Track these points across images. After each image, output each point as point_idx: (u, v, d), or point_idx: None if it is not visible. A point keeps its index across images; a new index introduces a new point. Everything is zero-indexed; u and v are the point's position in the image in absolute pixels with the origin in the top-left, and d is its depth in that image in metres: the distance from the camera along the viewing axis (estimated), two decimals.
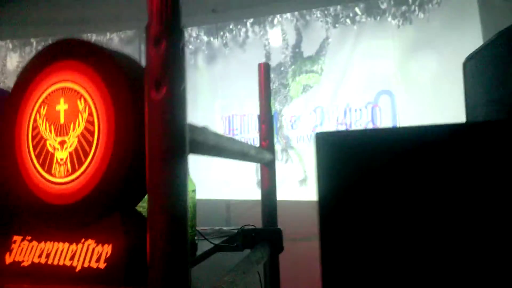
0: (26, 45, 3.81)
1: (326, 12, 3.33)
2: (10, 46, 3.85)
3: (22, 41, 3.82)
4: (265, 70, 1.30)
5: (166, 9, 0.54)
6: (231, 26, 3.51)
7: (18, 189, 0.85)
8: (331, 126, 3.26)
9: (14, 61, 3.81)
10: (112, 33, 3.75)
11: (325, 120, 3.28)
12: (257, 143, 3.02)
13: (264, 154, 1.24)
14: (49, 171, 0.81)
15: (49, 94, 0.85)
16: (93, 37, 3.72)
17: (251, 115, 3.41)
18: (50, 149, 0.82)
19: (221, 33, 3.52)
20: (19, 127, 0.86)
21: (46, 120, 0.83)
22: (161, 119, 0.54)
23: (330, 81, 3.29)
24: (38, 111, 0.85)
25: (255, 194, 3.15)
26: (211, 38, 3.57)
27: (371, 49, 3.18)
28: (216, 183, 3.40)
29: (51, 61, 0.84)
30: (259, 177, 3.18)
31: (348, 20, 3.28)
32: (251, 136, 3.40)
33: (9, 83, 3.70)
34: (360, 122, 3.20)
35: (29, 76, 0.86)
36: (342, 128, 3.21)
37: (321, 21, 3.35)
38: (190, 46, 3.59)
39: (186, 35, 3.57)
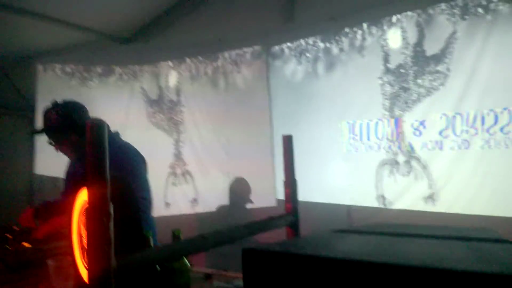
0: (181, 63, 4.44)
1: (452, 2, 2.92)
2: (171, 64, 4.54)
3: (178, 61, 4.46)
4: (288, 142, 1.35)
5: None
6: (346, 30, 3.41)
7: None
8: (459, 132, 2.91)
9: (174, 78, 4.49)
10: (245, 48, 4.07)
11: (453, 126, 2.94)
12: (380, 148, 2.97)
13: (287, 218, 1.31)
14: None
15: None
16: (229, 53, 4.10)
17: (371, 121, 3.30)
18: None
19: (337, 37, 3.46)
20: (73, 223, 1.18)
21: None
22: None
23: (458, 81, 2.91)
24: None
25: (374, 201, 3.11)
26: (327, 44, 3.54)
27: (507, 42, 2.68)
28: (336, 188, 3.45)
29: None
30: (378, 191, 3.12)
31: (480, 9, 2.82)
32: (372, 143, 3.30)
33: (172, 96, 4.43)
34: (493, 129, 2.77)
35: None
36: (473, 134, 2.83)
37: (447, 13, 2.96)
38: (308, 54, 3.65)
39: (303, 43, 3.64)
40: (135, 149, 2.08)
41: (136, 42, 4.41)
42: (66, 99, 2.02)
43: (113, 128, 1.98)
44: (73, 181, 2.13)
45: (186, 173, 4.29)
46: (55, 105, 1.98)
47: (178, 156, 4.33)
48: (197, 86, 4.26)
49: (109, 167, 1.88)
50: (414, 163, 3.10)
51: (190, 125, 4.29)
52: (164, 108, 4.42)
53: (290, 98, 3.77)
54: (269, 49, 3.90)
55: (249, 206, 3.80)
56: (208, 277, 1.56)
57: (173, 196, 4.31)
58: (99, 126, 0.79)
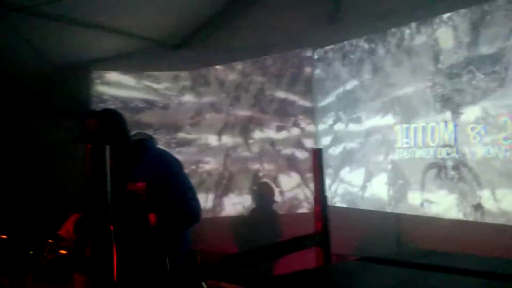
0: (232, 68, 4.46)
1: None
2: (220, 68, 4.57)
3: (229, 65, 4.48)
4: (318, 156, 1.31)
5: None
6: (393, 30, 3.26)
7: None
8: None
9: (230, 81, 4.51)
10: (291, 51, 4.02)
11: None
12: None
13: (317, 237, 1.27)
14: None
15: None
16: (275, 56, 4.07)
17: (421, 125, 3.14)
18: None
19: (384, 38, 3.33)
20: None
21: None
22: None
23: None
24: None
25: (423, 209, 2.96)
26: (372, 45, 3.42)
27: None
28: (384, 195, 3.33)
29: None
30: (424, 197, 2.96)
31: None
32: (423, 148, 3.14)
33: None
34: None
35: None
36: None
37: (505, 9, 2.74)
38: (353, 56, 3.54)
39: (349, 45, 3.53)
40: (171, 154, 2.13)
41: (185, 48, 4.51)
42: (105, 108, 2.08)
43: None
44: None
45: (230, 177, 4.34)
46: (95, 113, 2.05)
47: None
48: (243, 89, 4.28)
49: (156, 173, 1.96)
50: (466, 169, 2.91)
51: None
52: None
53: (336, 101, 3.69)
54: (315, 51, 3.83)
55: (282, 211, 3.78)
56: None
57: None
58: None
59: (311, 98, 3.86)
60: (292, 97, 3.96)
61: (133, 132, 2.15)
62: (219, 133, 4.37)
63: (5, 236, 2.02)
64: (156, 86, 4.59)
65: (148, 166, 1.99)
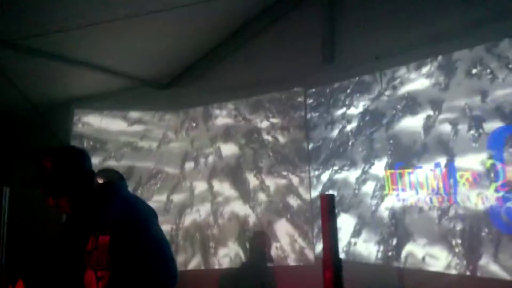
0: (222, 108, 4.25)
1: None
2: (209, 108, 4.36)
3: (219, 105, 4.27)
4: (329, 203, 1.06)
5: None
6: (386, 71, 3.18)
7: None
8: None
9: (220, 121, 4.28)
10: (283, 91, 3.86)
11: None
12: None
13: None
14: None
15: None
16: (267, 96, 3.90)
17: (416, 171, 2.94)
18: None
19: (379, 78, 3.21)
20: None
21: None
22: None
23: None
24: None
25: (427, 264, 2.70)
26: (366, 85, 3.31)
27: None
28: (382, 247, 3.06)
29: None
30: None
31: None
32: (420, 195, 2.92)
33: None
34: None
35: None
36: None
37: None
38: (347, 97, 3.42)
39: (343, 84, 3.39)
40: (143, 201, 1.81)
41: (173, 87, 4.33)
42: (65, 145, 1.76)
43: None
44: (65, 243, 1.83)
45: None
46: (49, 151, 1.71)
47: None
48: (233, 130, 4.06)
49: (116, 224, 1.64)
50: (466, 218, 2.68)
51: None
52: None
53: (328, 143, 3.49)
54: (308, 90, 3.67)
55: (278, 263, 3.44)
56: None
57: None
58: None
59: (304, 141, 3.65)
60: (284, 138, 3.75)
61: (99, 169, 1.83)
62: (208, 178, 4.10)
63: None
64: (141, 127, 4.35)
65: (114, 216, 1.67)
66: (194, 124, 4.27)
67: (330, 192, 3.37)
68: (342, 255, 3.16)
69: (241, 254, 3.74)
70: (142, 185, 4.22)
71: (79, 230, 1.72)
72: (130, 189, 1.89)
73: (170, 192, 4.21)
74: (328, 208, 1.06)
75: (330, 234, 1.05)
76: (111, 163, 4.15)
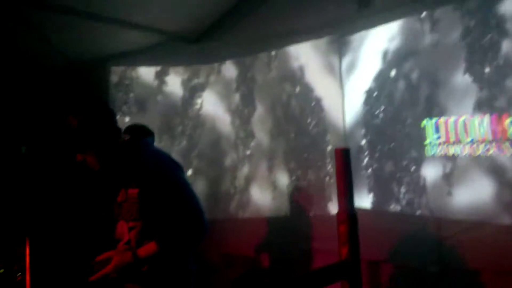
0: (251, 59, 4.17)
1: None
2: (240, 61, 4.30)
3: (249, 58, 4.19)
4: (344, 157, 1.02)
5: None
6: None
7: None
8: None
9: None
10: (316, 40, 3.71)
11: None
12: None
13: (342, 268, 0.98)
14: None
15: None
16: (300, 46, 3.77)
17: (461, 118, 2.78)
18: None
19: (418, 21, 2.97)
20: None
21: None
22: None
23: None
24: None
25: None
26: (405, 30, 3.07)
27: None
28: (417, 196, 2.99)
29: None
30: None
31: None
32: (463, 143, 2.78)
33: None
34: None
35: None
36: None
37: None
38: (383, 42, 3.20)
39: (379, 31, 3.18)
40: (169, 155, 1.85)
41: (205, 41, 4.28)
42: (89, 101, 1.77)
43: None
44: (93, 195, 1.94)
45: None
46: (74, 110, 1.76)
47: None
48: (266, 81, 3.98)
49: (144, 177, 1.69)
50: None
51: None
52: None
53: (363, 92, 3.34)
54: (342, 39, 3.50)
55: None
56: None
57: None
58: None
59: (337, 91, 3.52)
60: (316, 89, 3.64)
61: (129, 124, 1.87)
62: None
63: None
64: (175, 82, 4.37)
65: (141, 170, 1.72)
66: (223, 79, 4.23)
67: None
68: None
69: (280, 204, 3.79)
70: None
71: (109, 184, 1.80)
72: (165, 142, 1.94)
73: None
74: (343, 162, 1.02)
75: (344, 189, 1.02)
76: (147, 118, 4.25)
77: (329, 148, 3.48)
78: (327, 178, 3.48)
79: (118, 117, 4.09)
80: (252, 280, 3.78)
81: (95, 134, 1.69)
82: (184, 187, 1.74)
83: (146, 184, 1.68)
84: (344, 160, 1.02)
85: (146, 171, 1.71)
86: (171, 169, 1.75)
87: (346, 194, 1.02)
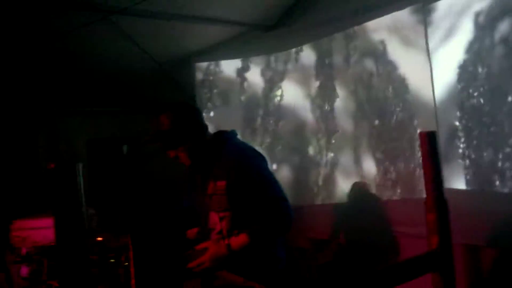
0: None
1: None
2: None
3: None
4: (430, 140, 0.97)
5: None
6: None
7: None
8: None
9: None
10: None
11: None
12: None
13: (432, 258, 0.94)
14: None
15: None
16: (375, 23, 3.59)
17: None
18: None
19: None
20: None
21: None
22: None
23: None
24: None
25: None
26: None
27: None
28: None
29: None
30: None
31: None
32: None
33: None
34: None
35: None
36: None
37: None
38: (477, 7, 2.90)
39: None
40: (252, 147, 1.92)
41: (280, 27, 4.28)
42: (178, 102, 1.94)
43: None
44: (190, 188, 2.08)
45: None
46: (165, 108, 1.88)
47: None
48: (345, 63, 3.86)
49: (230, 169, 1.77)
50: None
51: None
52: None
53: (455, 67, 3.08)
54: (427, 7, 3.23)
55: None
56: None
57: None
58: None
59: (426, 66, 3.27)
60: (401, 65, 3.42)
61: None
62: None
63: (101, 239, 2.06)
64: (255, 72, 4.43)
65: (227, 163, 1.80)
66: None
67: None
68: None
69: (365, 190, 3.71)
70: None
71: (200, 177, 1.92)
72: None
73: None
74: (429, 147, 0.97)
75: (432, 176, 0.97)
76: (230, 112, 4.39)
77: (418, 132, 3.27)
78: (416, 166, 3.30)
79: (204, 113, 4.32)
80: (340, 266, 3.76)
81: (185, 131, 1.81)
82: (268, 177, 1.79)
83: (232, 176, 1.76)
84: (430, 144, 0.97)
85: (231, 164, 1.78)
86: (254, 160, 1.81)
87: (434, 179, 0.97)
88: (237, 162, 1.77)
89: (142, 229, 1.07)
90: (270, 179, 1.78)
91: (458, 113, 3.03)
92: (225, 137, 1.90)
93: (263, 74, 4.40)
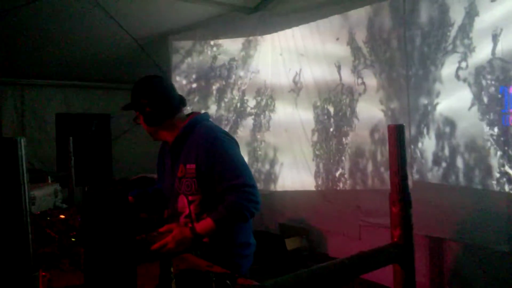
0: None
1: None
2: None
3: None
4: (398, 133, 0.97)
5: None
6: None
7: None
8: None
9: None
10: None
11: None
12: None
13: (394, 250, 0.94)
14: None
15: None
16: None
17: None
18: None
19: None
20: None
21: None
22: None
23: None
24: None
25: None
26: None
27: None
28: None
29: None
30: None
31: None
32: None
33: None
34: None
35: None
36: None
37: None
38: None
39: None
40: (224, 131, 1.89)
41: (261, 10, 4.21)
42: (154, 74, 1.89)
43: None
44: (160, 170, 2.04)
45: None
46: (137, 83, 1.85)
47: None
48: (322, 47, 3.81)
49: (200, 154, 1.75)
50: None
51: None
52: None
53: (426, 50, 3.07)
54: None
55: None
56: None
57: None
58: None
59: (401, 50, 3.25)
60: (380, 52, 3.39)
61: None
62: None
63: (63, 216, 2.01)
64: (231, 53, 4.37)
65: (198, 145, 1.77)
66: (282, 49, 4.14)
67: None
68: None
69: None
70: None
71: (170, 159, 1.88)
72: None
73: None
74: (396, 140, 0.96)
75: (398, 167, 0.97)
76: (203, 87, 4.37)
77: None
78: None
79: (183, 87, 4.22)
80: (305, 252, 3.81)
81: (162, 102, 1.79)
82: (238, 162, 1.76)
83: (202, 159, 1.73)
84: (397, 137, 0.97)
85: (201, 146, 1.75)
86: (225, 144, 1.77)
87: (398, 173, 0.97)
88: (208, 144, 1.73)
89: (94, 208, 1.03)
90: (240, 164, 1.75)
91: None
92: (197, 119, 1.86)
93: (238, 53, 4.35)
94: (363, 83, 3.46)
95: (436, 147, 3.02)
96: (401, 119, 3.18)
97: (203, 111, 2.13)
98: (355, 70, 3.51)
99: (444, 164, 3.02)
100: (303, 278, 0.82)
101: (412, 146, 3.13)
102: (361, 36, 3.47)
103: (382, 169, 3.35)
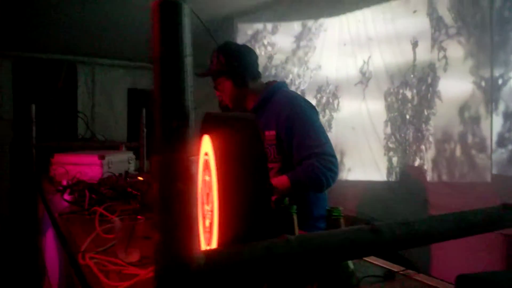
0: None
1: None
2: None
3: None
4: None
5: None
6: None
7: None
8: None
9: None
10: None
11: None
12: None
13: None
14: None
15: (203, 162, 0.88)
16: None
17: None
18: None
19: None
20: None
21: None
22: None
23: None
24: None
25: None
26: None
27: None
28: None
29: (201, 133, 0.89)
30: None
31: None
32: None
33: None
34: None
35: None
36: None
37: None
38: None
39: None
40: (304, 98, 1.85)
41: None
42: (235, 43, 1.89)
43: None
44: None
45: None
46: (221, 47, 1.85)
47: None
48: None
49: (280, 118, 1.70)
50: None
51: None
52: None
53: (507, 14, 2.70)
54: None
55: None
56: (389, 276, 1.13)
57: None
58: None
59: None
60: None
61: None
62: None
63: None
64: (286, 51, 4.29)
65: (278, 111, 1.74)
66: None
67: None
68: None
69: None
70: None
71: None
72: None
73: None
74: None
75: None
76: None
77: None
78: None
79: None
80: None
81: (239, 68, 1.78)
82: (317, 130, 1.72)
83: (283, 125, 1.70)
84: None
85: (282, 112, 1.72)
86: (305, 112, 1.74)
87: None
88: (289, 110, 1.71)
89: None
90: (321, 132, 1.71)
91: None
92: (277, 85, 1.84)
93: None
94: (445, 56, 3.09)
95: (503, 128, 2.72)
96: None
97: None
98: (435, 44, 3.18)
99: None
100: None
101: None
102: (444, 3, 3.13)
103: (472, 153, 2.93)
